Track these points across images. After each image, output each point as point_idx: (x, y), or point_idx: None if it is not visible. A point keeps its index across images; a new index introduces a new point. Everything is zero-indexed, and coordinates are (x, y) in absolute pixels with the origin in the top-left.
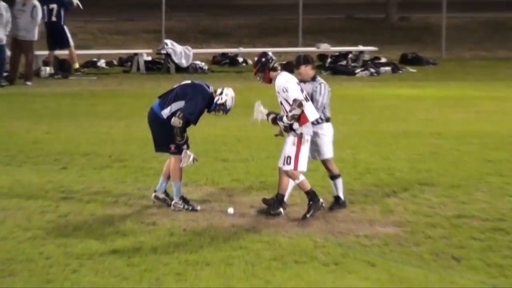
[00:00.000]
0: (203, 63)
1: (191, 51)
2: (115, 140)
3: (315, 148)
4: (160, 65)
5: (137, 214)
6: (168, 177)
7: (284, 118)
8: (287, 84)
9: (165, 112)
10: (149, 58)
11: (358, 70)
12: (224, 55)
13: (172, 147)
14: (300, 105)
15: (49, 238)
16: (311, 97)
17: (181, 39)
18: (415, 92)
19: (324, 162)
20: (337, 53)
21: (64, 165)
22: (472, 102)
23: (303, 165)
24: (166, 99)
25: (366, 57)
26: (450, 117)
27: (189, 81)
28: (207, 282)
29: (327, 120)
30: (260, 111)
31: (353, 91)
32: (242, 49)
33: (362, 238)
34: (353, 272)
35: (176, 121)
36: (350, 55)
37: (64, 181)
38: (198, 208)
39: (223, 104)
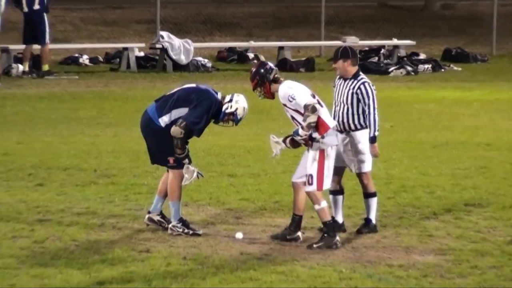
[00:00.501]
0: (206, 60)
1: (191, 45)
2: (101, 151)
3: (352, 158)
4: (155, 62)
5: (128, 240)
6: (164, 196)
7: (300, 131)
8: (291, 91)
9: (164, 120)
10: (141, 54)
11: (392, 68)
12: (231, 50)
13: (171, 160)
14: (314, 109)
15: (23, 267)
16: (354, 100)
17: (179, 31)
18: (460, 94)
19: (360, 176)
20: (367, 48)
21: (40, 181)
22: None
23: (327, 183)
24: (165, 104)
25: (402, 52)
26: (502, 124)
27: (193, 85)
28: None
29: (367, 126)
30: (275, 142)
31: (386, 93)
32: (252, 43)
33: (396, 269)
34: None
35: (176, 131)
36: (382, 51)
37: (40, 200)
38: (200, 232)
39: (233, 114)
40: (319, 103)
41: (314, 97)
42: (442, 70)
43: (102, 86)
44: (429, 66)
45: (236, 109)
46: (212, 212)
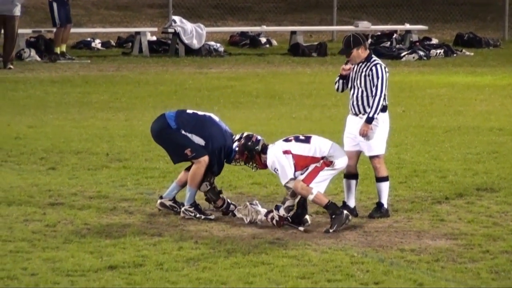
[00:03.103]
0: (218, 44)
1: (203, 29)
2: (113, 135)
3: (365, 141)
4: (167, 46)
5: (139, 224)
6: (182, 185)
7: (281, 210)
8: (275, 165)
9: (186, 134)
10: (154, 38)
11: (404, 53)
12: (243, 34)
13: (188, 152)
14: (293, 195)
15: (35, 251)
16: (367, 82)
17: (192, 15)
18: (472, 79)
19: (372, 160)
20: (379, 33)
21: (52, 165)
22: None
23: (319, 185)
24: (190, 121)
25: (414, 37)
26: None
27: (216, 119)
28: None
29: (383, 109)
30: (256, 210)
31: (398, 78)
32: (265, 28)
33: (408, 253)
34: None
35: (203, 187)
36: (394, 35)
37: (52, 184)
38: (213, 217)
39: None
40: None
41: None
42: (454, 55)
43: (114, 70)
44: (441, 51)
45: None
46: (224, 196)
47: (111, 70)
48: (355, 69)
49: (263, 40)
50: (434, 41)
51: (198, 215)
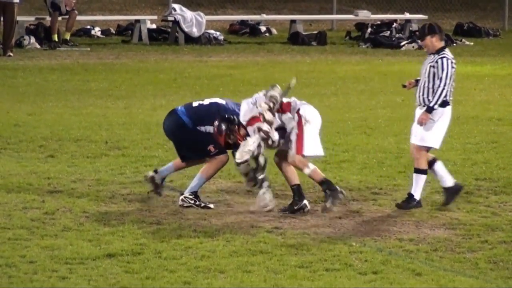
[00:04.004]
0: (218, 33)
1: (203, 17)
2: (112, 123)
3: (417, 130)
4: (167, 35)
5: (138, 212)
6: (177, 170)
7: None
8: (250, 105)
9: (201, 128)
10: (154, 26)
11: (404, 42)
12: (243, 23)
13: (212, 148)
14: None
15: (33, 239)
16: (431, 74)
17: (191, 4)
18: (472, 69)
19: (416, 148)
20: (379, 22)
21: (51, 153)
22: None
23: (311, 149)
24: (201, 113)
25: (414, 27)
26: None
27: (223, 102)
28: None
29: (444, 104)
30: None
31: (397, 67)
32: (265, 16)
33: (407, 242)
34: (395, 282)
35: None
36: (394, 25)
37: (51, 172)
38: (212, 206)
39: (245, 138)
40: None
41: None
42: (454, 44)
43: (114, 58)
44: None
45: (246, 144)
46: (222, 185)
47: (111, 58)
48: (425, 60)
49: (263, 28)
50: None
51: (197, 203)
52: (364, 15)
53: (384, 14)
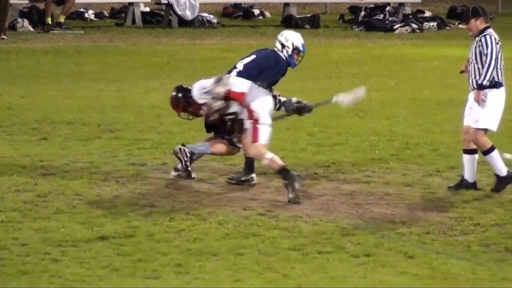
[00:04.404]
0: (211, 16)
1: (197, 0)
2: (105, 106)
3: (470, 113)
4: (160, 18)
5: (131, 195)
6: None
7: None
8: (202, 90)
9: None
10: (147, 9)
11: (397, 26)
12: (236, 6)
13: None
14: (219, 80)
15: (26, 221)
16: (477, 55)
17: None
18: (465, 52)
19: (474, 131)
20: (372, 5)
21: (44, 136)
22: None
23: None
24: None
25: (407, 10)
26: (507, 83)
27: (254, 55)
28: (213, 275)
29: (496, 85)
30: None
31: (391, 50)
32: None
33: (399, 225)
34: (387, 265)
35: None
36: (388, 8)
37: (44, 155)
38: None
39: (296, 49)
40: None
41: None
42: (447, 28)
43: (107, 41)
44: (434, 24)
45: (292, 44)
46: (215, 167)
47: (104, 41)
48: (472, 44)
49: (256, 11)
50: (427, 13)
51: (186, 163)
52: None
53: None
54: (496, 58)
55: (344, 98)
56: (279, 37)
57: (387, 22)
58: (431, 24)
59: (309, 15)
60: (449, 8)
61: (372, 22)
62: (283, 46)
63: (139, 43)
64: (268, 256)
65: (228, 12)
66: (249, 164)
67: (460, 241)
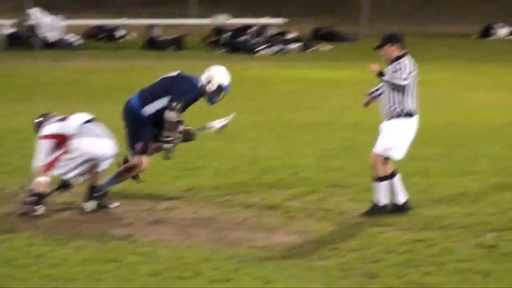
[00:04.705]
0: (76, 37)
1: (61, 22)
2: None
3: (380, 139)
4: (24, 39)
5: None
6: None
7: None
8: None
9: (146, 111)
10: (11, 31)
11: (261, 47)
12: (101, 27)
13: (138, 146)
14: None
15: None
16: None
17: (50, 8)
18: (329, 74)
19: (373, 155)
20: (237, 27)
21: None
22: None
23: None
24: (147, 95)
25: (271, 31)
26: (370, 105)
27: (174, 73)
28: None
29: (409, 114)
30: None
31: (254, 72)
32: (123, 21)
33: (258, 250)
34: None
35: (171, 116)
36: (252, 29)
37: None
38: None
39: (220, 87)
40: None
41: None
42: (311, 49)
43: None
44: (298, 45)
45: (218, 82)
46: (75, 192)
47: None
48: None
49: (121, 33)
50: (291, 35)
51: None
52: (222, 19)
53: (242, 18)
54: (409, 77)
55: (217, 124)
56: (206, 71)
57: (250, 43)
58: (295, 45)
59: (173, 37)
60: (313, 29)
61: (236, 44)
62: (208, 81)
63: (1, 66)
64: (126, 282)
65: (93, 34)
66: (91, 190)
67: (319, 266)
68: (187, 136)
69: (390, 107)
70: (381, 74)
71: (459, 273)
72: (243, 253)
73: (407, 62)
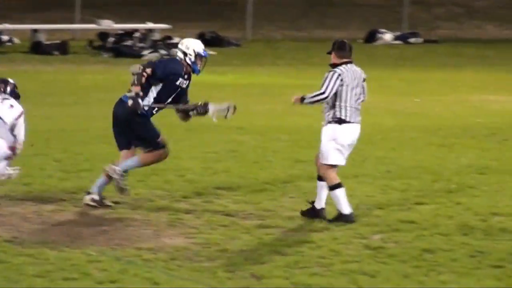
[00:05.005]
0: None
1: None
2: None
3: (321, 149)
4: None
5: None
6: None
7: None
8: None
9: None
10: None
11: (146, 52)
12: None
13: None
14: None
15: None
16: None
17: None
18: (214, 78)
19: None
20: (121, 32)
21: None
22: (282, 91)
23: None
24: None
25: (157, 36)
26: (255, 108)
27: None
28: None
29: (339, 121)
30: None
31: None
32: (7, 26)
33: (145, 252)
34: None
35: (135, 66)
36: (136, 34)
37: None
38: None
39: (199, 54)
40: None
41: None
42: None
43: None
44: None
45: (194, 50)
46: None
47: None
48: None
49: (5, 38)
50: (176, 39)
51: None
52: (107, 24)
53: (127, 23)
54: (331, 88)
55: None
56: (179, 45)
57: (136, 48)
58: None
59: (58, 42)
60: (198, 34)
61: (121, 48)
62: (185, 54)
63: None
64: (14, 283)
65: None
66: None
67: (206, 267)
68: (202, 109)
69: (324, 113)
70: (302, 99)
71: (347, 274)
72: (131, 254)
73: (335, 74)
